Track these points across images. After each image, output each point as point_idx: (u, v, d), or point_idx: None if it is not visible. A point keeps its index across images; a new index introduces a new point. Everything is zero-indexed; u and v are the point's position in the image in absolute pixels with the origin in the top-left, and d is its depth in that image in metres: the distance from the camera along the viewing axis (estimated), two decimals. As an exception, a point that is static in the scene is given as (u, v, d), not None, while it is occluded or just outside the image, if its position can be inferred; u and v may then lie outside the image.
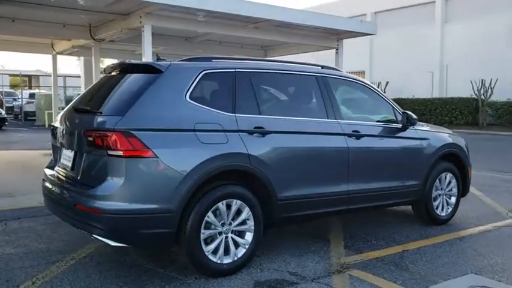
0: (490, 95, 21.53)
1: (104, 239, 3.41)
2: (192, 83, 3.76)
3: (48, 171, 4.33)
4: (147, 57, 7.21)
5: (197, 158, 3.58)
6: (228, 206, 3.76)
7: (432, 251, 4.55)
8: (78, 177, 3.67)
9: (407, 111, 5.16)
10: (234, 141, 3.79)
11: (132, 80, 3.87)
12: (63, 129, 4.03)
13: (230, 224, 3.79)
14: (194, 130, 3.63)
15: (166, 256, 4.18)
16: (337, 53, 9.79)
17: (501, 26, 21.82)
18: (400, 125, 5.08)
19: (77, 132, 3.76)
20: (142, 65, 3.89)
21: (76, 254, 4.30)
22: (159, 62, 3.82)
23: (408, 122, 5.06)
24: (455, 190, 5.67)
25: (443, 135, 5.61)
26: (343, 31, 9.09)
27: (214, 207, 3.67)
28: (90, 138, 3.50)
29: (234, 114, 3.88)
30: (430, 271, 4.01)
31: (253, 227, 3.90)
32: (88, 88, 4.53)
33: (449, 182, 5.59)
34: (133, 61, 4.23)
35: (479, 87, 21.68)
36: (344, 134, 4.54)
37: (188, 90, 3.72)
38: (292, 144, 4.17)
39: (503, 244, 4.82)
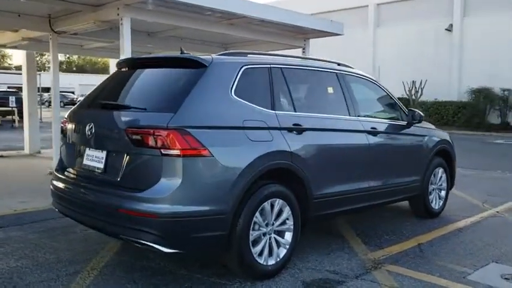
0: (420, 95, 22.90)
1: (156, 246, 3.14)
2: (235, 78, 3.59)
3: (63, 172, 3.95)
4: (126, 53, 6.79)
5: (248, 157, 3.43)
6: (272, 206, 3.65)
7: (444, 244, 4.73)
8: (118, 179, 3.36)
9: (414, 109, 5.33)
10: (278, 138, 3.69)
11: (174, 74, 3.62)
12: (84, 128, 3.67)
13: (273, 224, 3.68)
14: (243, 128, 3.48)
15: (191, 260, 3.95)
16: (303, 52, 9.88)
17: (430, 30, 23.31)
18: (405, 122, 5.23)
19: (113, 130, 3.45)
20: (186, 59, 3.63)
21: (93, 263, 3.95)
22: (201, 57, 3.60)
23: (414, 120, 5.22)
24: (445, 184, 5.95)
25: (437, 132, 5.87)
26: (311, 30, 9.19)
27: (260, 207, 3.54)
28: (137, 137, 3.22)
29: (274, 111, 3.77)
30: (456, 262, 4.16)
31: (292, 227, 3.81)
32: (103, 83, 4.18)
33: (441, 177, 5.85)
34: (172, 55, 3.94)
35: (410, 88, 23.00)
36: (364, 131, 4.60)
37: (232, 86, 3.56)
38: (325, 142, 4.14)
39: (501, 233, 5.13)
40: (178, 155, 3.11)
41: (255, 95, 3.74)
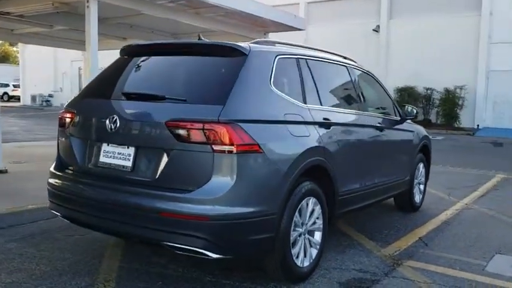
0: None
1: (204, 252, 2.84)
2: (272, 69, 3.36)
3: (65, 172, 3.46)
4: (93, 39, 6.19)
5: (293, 153, 3.23)
6: (306, 205, 3.47)
7: (441, 236, 4.86)
8: (154, 179, 2.99)
9: (408, 105, 5.41)
10: (313, 134, 3.52)
11: (210, 62, 3.29)
12: (102, 121, 3.23)
13: (306, 224, 3.51)
14: (286, 122, 3.27)
15: (212, 265, 3.66)
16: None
17: (358, 30, 24.19)
18: (399, 118, 5.29)
19: (146, 124, 3.07)
20: (222, 46, 3.30)
21: (103, 274, 3.51)
22: (240, 44, 3.30)
23: (410, 115, 5.29)
24: (423, 178, 6.14)
25: (420, 127, 6.02)
26: (273, 22, 9.07)
27: (299, 206, 3.35)
28: (181, 132, 2.88)
29: (306, 105, 3.59)
30: (465, 254, 4.28)
31: (321, 226, 3.67)
32: (109, 71, 3.72)
33: (421, 171, 6.03)
34: (207, 41, 3.55)
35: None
36: (374, 127, 4.57)
37: (271, 77, 3.32)
38: (347, 137, 4.05)
39: (483, 225, 5.38)
40: (231, 152, 2.82)
41: (289, 87, 3.53)
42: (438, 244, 4.58)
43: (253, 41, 3.57)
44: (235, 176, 2.83)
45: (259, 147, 2.94)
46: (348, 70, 4.50)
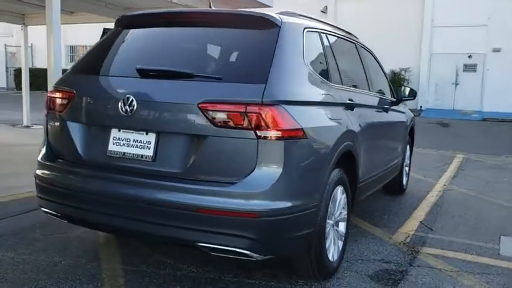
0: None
1: (249, 253, 2.47)
2: (303, 43, 3.00)
3: (59, 163, 2.93)
4: (55, 11, 5.46)
5: (332, 138, 2.93)
6: (336, 194, 3.19)
7: (441, 220, 4.80)
8: (187, 169, 2.56)
9: (406, 86, 5.24)
10: (344, 116, 3.23)
11: (239, 35, 2.86)
12: (111, 103, 2.74)
13: (334, 214, 3.23)
14: (321, 103, 2.95)
15: (223, 263, 3.30)
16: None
17: (308, 11, 24.05)
18: (395, 99, 5.13)
19: (173, 106, 2.61)
20: (254, 17, 2.87)
21: (109, 281, 3.05)
22: (271, 14, 2.89)
23: (410, 96, 5.12)
24: (408, 161, 6.08)
25: (406, 108, 5.91)
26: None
27: (332, 196, 3.05)
28: (219, 115, 2.47)
29: (333, 84, 3.27)
30: (474, 238, 4.23)
31: (346, 216, 3.41)
32: (106, 43, 3.17)
33: (408, 153, 5.96)
34: (233, 10, 3.07)
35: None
36: (382, 108, 4.36)
37: (303, 52, 2.96)
38: (365, 120, 3.77)
39: (471, 206, 5.40)
40: (278, 138, 2.46)
41: (316, 64, 3.19)
42: (442, 228, 4.50)
43: (279, 11, 3.17)
44: (282, 166, 2.48)
45: (304, 132, 2.60)
46: (356, 47, 4.23)
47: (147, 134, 2.67)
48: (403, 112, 5.39)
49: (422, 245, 3.98)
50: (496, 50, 19.48)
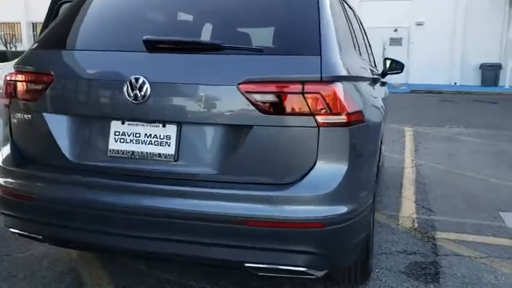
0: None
1: (308, 270, 1.98)
2: (334, 7, 2.47)
3: (39, 168, 2.20)
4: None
5: (379, 121, 2.48)
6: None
7: (436, 200, 4.60)
8: (224, 169, 1.98)
9: (391, 58, 4.89)
10: (376, 93, 2.78)
11: None
12: (112, 87, 2.08)
13: (369, 207, 2.81)
14: (364, 78, 2.48)
15: (236, 275, 2.79)
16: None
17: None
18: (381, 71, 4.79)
19: (202, 89, 2.00)
20: None
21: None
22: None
23: (392, 70, 4.80)
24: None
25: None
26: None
27: (373, 187, 2.63)
28: (269, 98, 1.91)
29: (361, 57, 2.81)
30: (476, 217, 4.07)
31: (372, 207, 3.00)
32: (98, 7, 2.42)
33: (382, 131, 5.72)
34: None
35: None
36: (382, 82, 3.99)
37: (342, 14, 2.46)
38: (379, 96, 3.34)
39: (452, 183, 5.28)
40: (344, 124, 1.96)
41: (345, 32, 2.69)
42: (440, 209, 4.29)
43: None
44: (347, 160, 1.99)
45: (362, 115, 2.12)
46: (354, 13, 3.77)
47: (164, 126, 2.04)
48: (386, 84, 5.08)
49: (433, 230, 3.72)
50: (420, 24, 20.15)
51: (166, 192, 1.99)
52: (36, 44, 2.36)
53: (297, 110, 1.91)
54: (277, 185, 1.94)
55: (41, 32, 5.23)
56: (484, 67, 19.49)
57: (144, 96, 1.99)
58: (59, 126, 2.16)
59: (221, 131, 1.99)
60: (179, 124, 2.03)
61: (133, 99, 2.00)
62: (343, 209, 1.96)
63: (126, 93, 2.01)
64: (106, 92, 2.09)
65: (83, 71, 2.17)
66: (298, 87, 1.90)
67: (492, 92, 17.36)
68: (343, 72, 2.03)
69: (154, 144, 2.05)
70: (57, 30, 2.37)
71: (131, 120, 2.08)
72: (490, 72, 19.37)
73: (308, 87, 1.90)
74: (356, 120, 2.03)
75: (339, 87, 1.96)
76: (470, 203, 4.46)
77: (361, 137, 2.09)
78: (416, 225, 3.83)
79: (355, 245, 2.17)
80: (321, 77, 1.92)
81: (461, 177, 5.52)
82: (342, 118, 1.94)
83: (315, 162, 1.94)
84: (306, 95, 1.90)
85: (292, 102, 1.91)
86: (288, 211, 1.89)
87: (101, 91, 2.11)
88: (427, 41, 19.97)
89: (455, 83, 19.73)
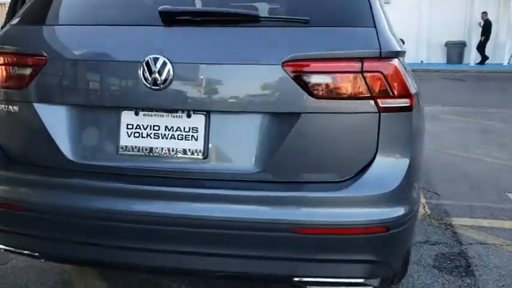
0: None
1: (366, 281, 1.69)
2: None
3: (30, 171, 1.81)
4: None
5: (422, 103, 2.18)
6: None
7: (437, 182, 4.45)
8: (265, 166, 1.65)
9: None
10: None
11: None
12: (123, 68, 1.71)
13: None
14: (404, 55, 2.16)
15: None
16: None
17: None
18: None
19: (233, 69, 1.65)
20: None
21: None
22: None
23: None
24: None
25: None
26: None
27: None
28: (321, 79, 1.59)
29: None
30: (488, 200, 3.92)
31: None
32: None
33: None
34: None
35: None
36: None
37: None
38: None
39: (448, 161, 5.14)
40: (407, 108, 1.66)
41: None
42: (446, 192, 4.11)
43: None
44: (409, 150, 1.70)
45: (418, 97, 1.83)
46: None
47: (189, 116, 1.69)
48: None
49: (448, 216, 3.54)
50: (387, 2, 20.09)
51: (194, 196, 1.65)
52: (19, 19, 1.92)
53: (354, 92, 1.60)
54: (331, 183, 1.64)
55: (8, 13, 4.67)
56: (449, 45, 19.70)
57: (165, 80, 1.63)
58: (55, 118, 1.76)
59: (261, 121, 1.66)
60: (207, 113, 1.68)
61: (152, 84, 1.63)
62: (406, 209, 1.67)
63: (141, 77, 1.64)
64: (114, 76, 1.71)
65: (83, 50, 1.77)
66: (356, 65, 1.59)
67: (458, 70, 17.56)
68: (398, 47, 1.73)
69: (178, 139, 1.69)
70: (46, 0, 1.93)
71: (147, 110, 1.71)
72: (455, 50, 19.61)
73: (368, 65, 1.59)
74: (415, 103, 1.74)
75: (399, 65, 1.66)
76: (473, 184, 4.31)
77: (418, 123, 1.80)
78: (428, 211, 3.63)
79: (409, 247, 1.91)
80: (380, 52, 1.61)
81: (455, 157, 5.39)
82: (405, 101, 1.65)
83: (375, 155, 1.65)
84: (366, 75, 1.59)
85: (349, 84, 1.60)
86: (346, 214, 1.59)
87: (108, 75, 1.72)
88: (394, 19, 19.89)
89: (422, 61, 19.86)
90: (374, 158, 1.65)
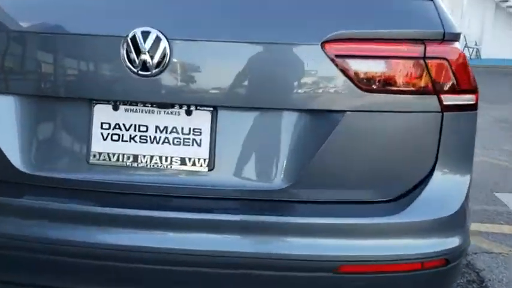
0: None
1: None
2: None
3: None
4: None
5: None
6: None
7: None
8: (298, 178, 1.24)
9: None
10: None
11: None
12: (98, 46, 1.24)
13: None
14: None
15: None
16: None
17: None
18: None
19: (253, 49, 1.22)
20: None
21: None
22: None
23: None
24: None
25: None
26: None
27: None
28: (372, 66, 1.21)
29: None
30: (479, 202, 3.70)
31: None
32: None
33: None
34: None
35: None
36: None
37: None
38: None
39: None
40: (472, 107, 1.31)
41: None
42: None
43: None
44: (471, 160, 1.34)
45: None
46: None
47: (189, 113, 1.24)
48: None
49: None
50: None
51: (196, 224, 1.21)
52: None
53: (412, 85, 1.22)
54: (379, 203, 1.25)
55: None
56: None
57: (159, 63, 1.17)
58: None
59: (289, 121, 1.24)
60: (214, 109, 1.25)
61: (140, 68, 1.18)
62: (464, 236, 1.32)
63: (124, 58, 1.18)
64: (84, 56, 1.23)
65: (39, 19, 1.26)
66: (417, 49, 1.20)
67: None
68: (458, 28, 1.36)
69: (173, 143, 1.25)
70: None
71: (131, 104, 1.25)
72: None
73: (431, 49, 1.21)
74: (477, 101, 1.38)
75: (462, 52, 1.29)
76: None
77: (476, 128, 1.45)
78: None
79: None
80: (444, 33, 1.23)
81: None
82: (471, 98, 1.28)
83: (433, 167, 1.28)
84: (428, 62, 1.21)
85: (406, 73, 1.21)
86: (403, 246, 1.22)
87: (75, 54, 1.24)
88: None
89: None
90: (432, 170, 1.28)
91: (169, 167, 1.27)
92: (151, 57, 1.18)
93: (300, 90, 1.22)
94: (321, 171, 1.24)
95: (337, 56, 1.19)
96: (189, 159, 1.26)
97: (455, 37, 1.29)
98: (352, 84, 1.20)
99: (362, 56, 1.20)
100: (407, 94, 1.23)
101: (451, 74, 1.24)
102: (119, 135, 1.27)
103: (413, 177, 1.28)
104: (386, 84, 1.22)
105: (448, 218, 1.27)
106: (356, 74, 1.20)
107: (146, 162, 1.27)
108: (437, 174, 1.28)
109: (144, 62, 1.18)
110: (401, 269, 1.23)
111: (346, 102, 1.22)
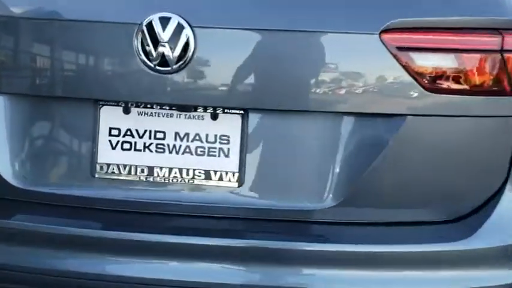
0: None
1: None
2: None
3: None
4: None
5: None
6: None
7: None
8: (350, 196, 1.03)
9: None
10: None
11: None
12: (105, 40, 1.04)
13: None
14: None
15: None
16: None
17: None
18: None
19: (294, 40, 1.01)
20: None
21: None
22: None
23: None
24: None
25: None
26: None
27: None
28: (440, 61, 1.00)
29: None
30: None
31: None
32: None
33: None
34: None
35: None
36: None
37: None
38: None
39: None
40: None
41: None
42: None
43: None
44: None
45: None
46: None
47: (215, 117, 1.04)
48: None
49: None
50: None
51: (224, 251, 1.01)
52: None
53: (486, 84, 1.02)
54: (437, 224, 1.05)
55: None
56: None
57: (181, 57, 0.97)
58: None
59: (339, 126, 1.03)
60: (245, 113, 1.04)
61: (158, 63, 0.97)
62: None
63: (138, 50, 0.97)
64: (89, 48, 1.02)
65: (34, 3, 1.05)
66: (493, 41, 1.00)
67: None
68: None
69: (197, 154, 1.04)
70: None
71: (145, 106, 1.04)
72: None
73: (509, 41, 1.01)
74: None
75: None
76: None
77: None
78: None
79: None
80: None
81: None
82: None
83: (504, 183, 1.07)
84: (507, 56, 1.01)
85: (480, 69, 1.01)
86: (476, 278, 1.01)
87: (78, 45, 1.03)
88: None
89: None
90: (503, 186, 1.07)
91: (191, 181, 1.05)
92: (172, 50, 0.97)
93: (351, 90, 1.01)
94: (378, 187, 1.03)
95: (398, 48, 0.98)
96: (215, 172, 1.05)
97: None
98: (415, 83, 0.99)
99: (428, 48, 0.99)
100: (479, 95, 1.03)
101: None
102: (130, 143, 1.06)
103: (480, 193, 1.08)
104: (455, 83, 1.02)
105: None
106: (420, 69, 0.99)
107: (163, 175, 1.06)
108: (508, 191, 1.08)
109: (163, 55, 0.97)
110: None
111: (407, 105, 1.01)
